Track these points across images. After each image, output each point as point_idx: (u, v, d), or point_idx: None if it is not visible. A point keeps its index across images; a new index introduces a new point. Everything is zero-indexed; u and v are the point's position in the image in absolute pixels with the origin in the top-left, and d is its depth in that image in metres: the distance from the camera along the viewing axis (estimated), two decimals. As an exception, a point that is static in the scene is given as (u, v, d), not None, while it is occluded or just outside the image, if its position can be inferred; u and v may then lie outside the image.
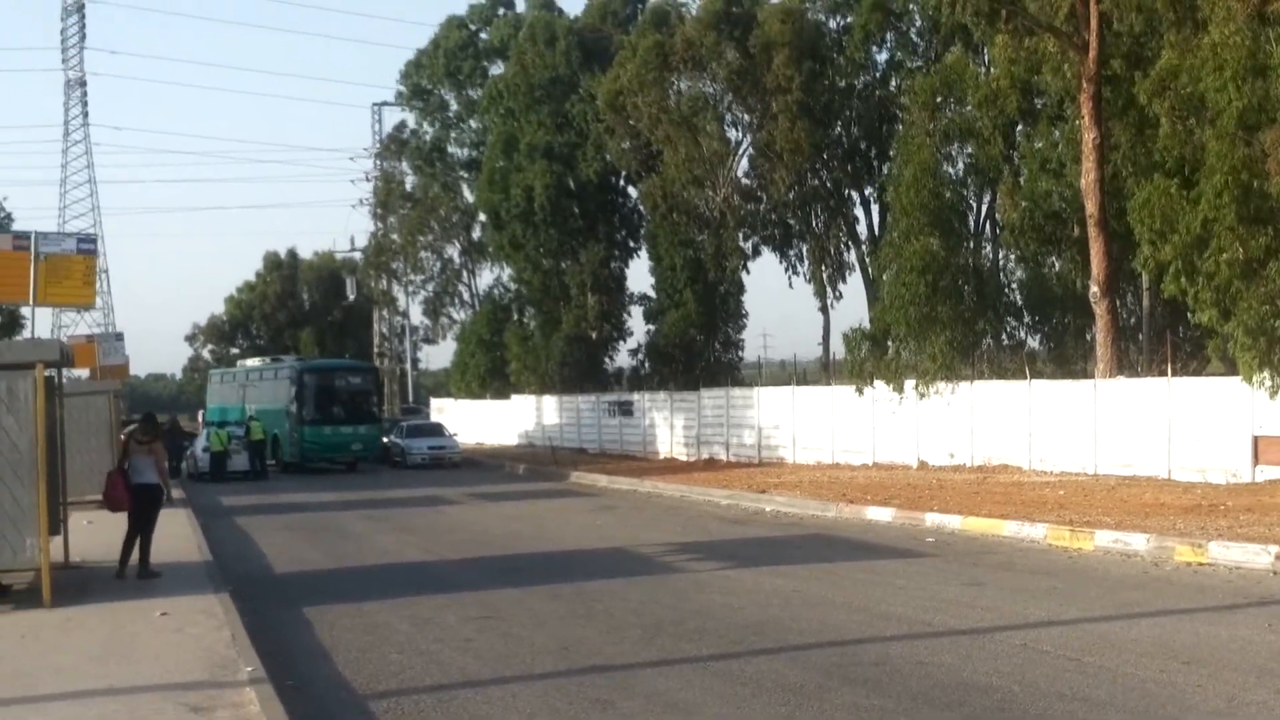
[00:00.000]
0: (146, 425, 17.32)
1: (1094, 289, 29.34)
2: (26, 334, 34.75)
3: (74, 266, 20.86)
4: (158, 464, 16.66)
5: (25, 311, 32.94)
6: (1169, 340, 29.24)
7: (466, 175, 64.73)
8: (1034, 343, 37.02)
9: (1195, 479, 24.32)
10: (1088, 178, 29.08)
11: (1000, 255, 38.47)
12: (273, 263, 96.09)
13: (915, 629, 11.98)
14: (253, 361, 54.78)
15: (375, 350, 70.71)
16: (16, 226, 45.92)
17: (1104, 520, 18.96)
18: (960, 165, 37.86)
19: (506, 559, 18.83)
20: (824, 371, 46.29)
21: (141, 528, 16.37)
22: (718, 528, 22.44)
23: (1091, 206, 29.07)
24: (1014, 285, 36.42)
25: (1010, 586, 14.48)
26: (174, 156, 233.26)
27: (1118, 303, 31.70)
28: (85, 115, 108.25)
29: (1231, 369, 25.74)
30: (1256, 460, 23.82)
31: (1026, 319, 36.51)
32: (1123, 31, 29.87)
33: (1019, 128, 36.00)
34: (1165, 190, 25.12)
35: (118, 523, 16.90)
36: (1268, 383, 23.28)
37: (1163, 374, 27.08)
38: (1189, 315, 26.72)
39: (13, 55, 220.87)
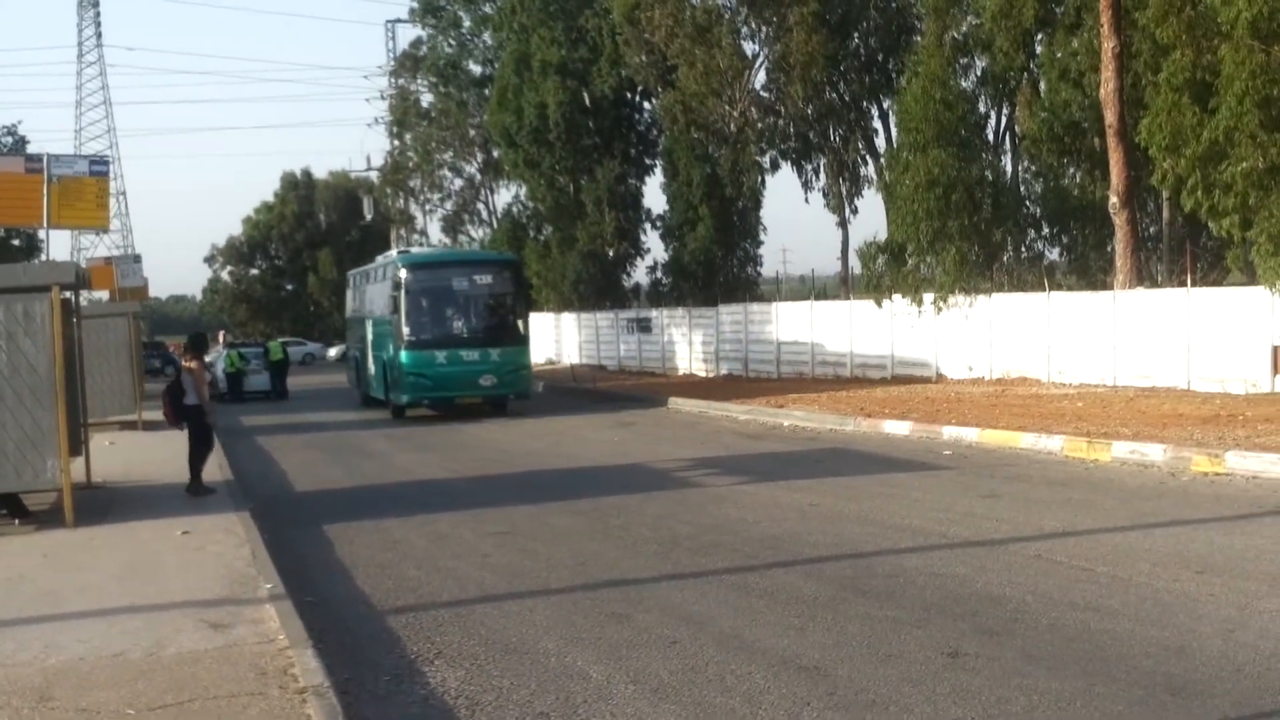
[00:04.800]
0: (186, 345, 17.51)
1: (1113, 200, 29.09)
2: (45, 258, 34.86)
3: (86, 189, 20.86)
4: (195, 384, 16.79)
5: (44, 235, 33.02)
6: (1189, 251, 29.06)
7: (482, 92, 64.30)
8: (1053, 255, 36.80)
9: (1214, 389, 24.25)
10: (1106, 87, 28.72)
11: (1019, 167, 38.15)
12: (289, 183, 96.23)
13: (930, 541, 12.03)
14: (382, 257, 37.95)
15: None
16: (34, 149, 45.93)
17: (1121, 431, 18.95)
18: (975, 77, 37.44)
19: (524, 475, 18.94)
20: (843, 286, 46.15)
21: (190, 445, 16.61)
22: (735, 443, 22.50)
23: (1111, 116, 28.74)
24: (1033, 197, 36.12)
25: (1026, 498, 14.51)
26: (188, 77, 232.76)
27: (1138, 213, 31.41)
28: (99, 36, 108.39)
29: (1251, 279, 25.57)
30: (1276, 370, 23.70)
31: (1045, 231, 36.21)
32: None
33: (1038, 37, 35.53)
34: (1174, 104, 24.80)
35: (138, 444, 17.06)
36: (1289, 291, 23.13)
37: (1182, 284, 26.92)
38: (1208, 226, 26.50)
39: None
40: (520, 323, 31.38)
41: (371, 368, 34.36)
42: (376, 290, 34.09)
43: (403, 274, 30.19)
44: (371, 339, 34.37)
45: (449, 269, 31.86)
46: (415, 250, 37.32)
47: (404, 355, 29.83)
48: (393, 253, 36.88)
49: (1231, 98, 23.36)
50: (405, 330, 29.86)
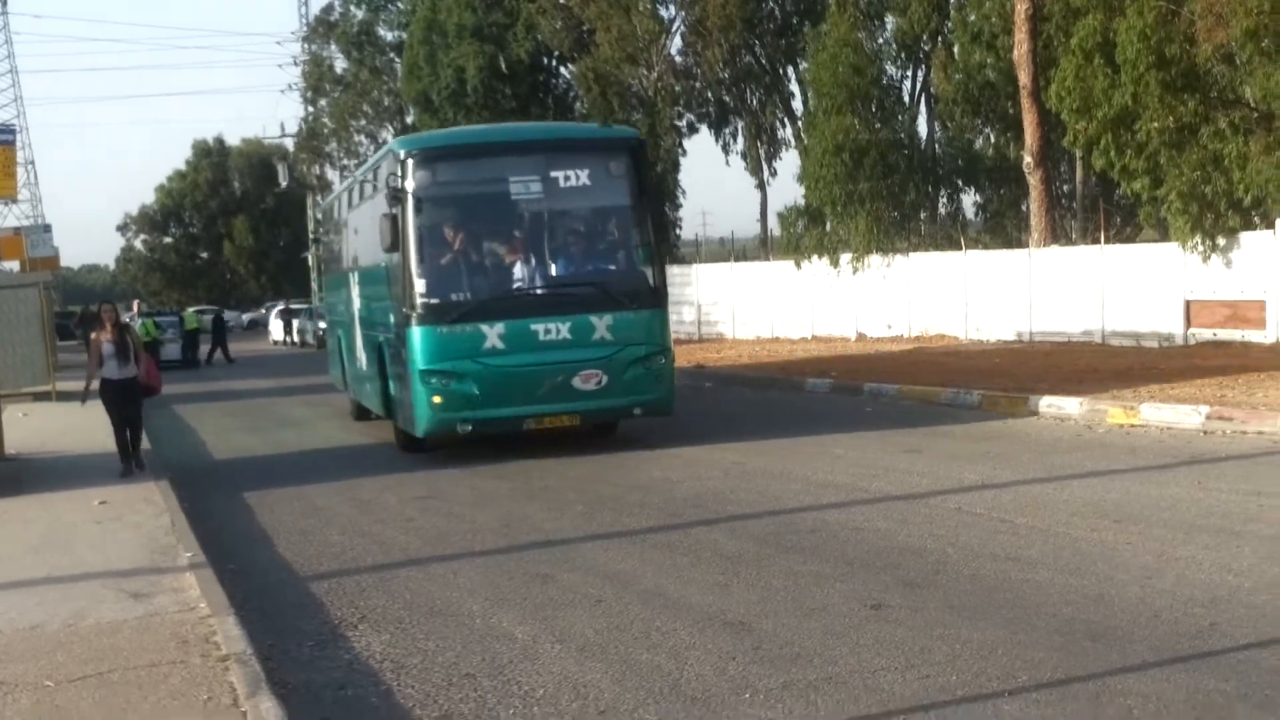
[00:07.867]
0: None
1: (1027, 160, 29.41)
2: (-49, 228, 34.03)
3: (-8, 157, 20.41)
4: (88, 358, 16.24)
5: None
6: (1102, 209, 29.50)
7: (397, 58, 63.58)
8: (970, 215, 37.20)
9: (1129, 344, 24.66)
10: (1020, 49, 28.98)
11: (935, 129, 38.45)
12: (202, 150, 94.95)
13: (852, 496, 12.10)
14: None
15: (311, 238, 69.68)
16: (-65, 118, 44.80)
17: (1038, 386, 19.16)
18: (888, 39, 37.55)
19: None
20: (762, 248, 46.31)
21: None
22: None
23: (1024, 78, 29.01)
24: (948, 158, 36.41)
25: (945, 453, 14.64)
26: (98, 44, 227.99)
27: (1051, 173, 31.80)
28: (4, 3, 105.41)
29: (1164, 235, 25.97)
30: (1188, 324, 24.20)
31: (962, 192, 36.59)
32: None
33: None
34: (1083, 67, 25.01)
35: (53, 416, 16.76)
36: (1200, 247, 23.54)
37: (1096, 242, 27.29)
38: (1120, 186, 26.87)
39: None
40: (649, 266, 16.26)
41: (362, 359, 19.43)
42: (364, 215, 18.49)
43: (408, 169, 15.12)
44: (359, 307, 19.50)
45: (498, 158, 16.20)
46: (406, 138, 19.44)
47: (417, 335, 15.12)
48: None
49: (1127, 63, 23.62)
50: (417, 286, 15.07)
